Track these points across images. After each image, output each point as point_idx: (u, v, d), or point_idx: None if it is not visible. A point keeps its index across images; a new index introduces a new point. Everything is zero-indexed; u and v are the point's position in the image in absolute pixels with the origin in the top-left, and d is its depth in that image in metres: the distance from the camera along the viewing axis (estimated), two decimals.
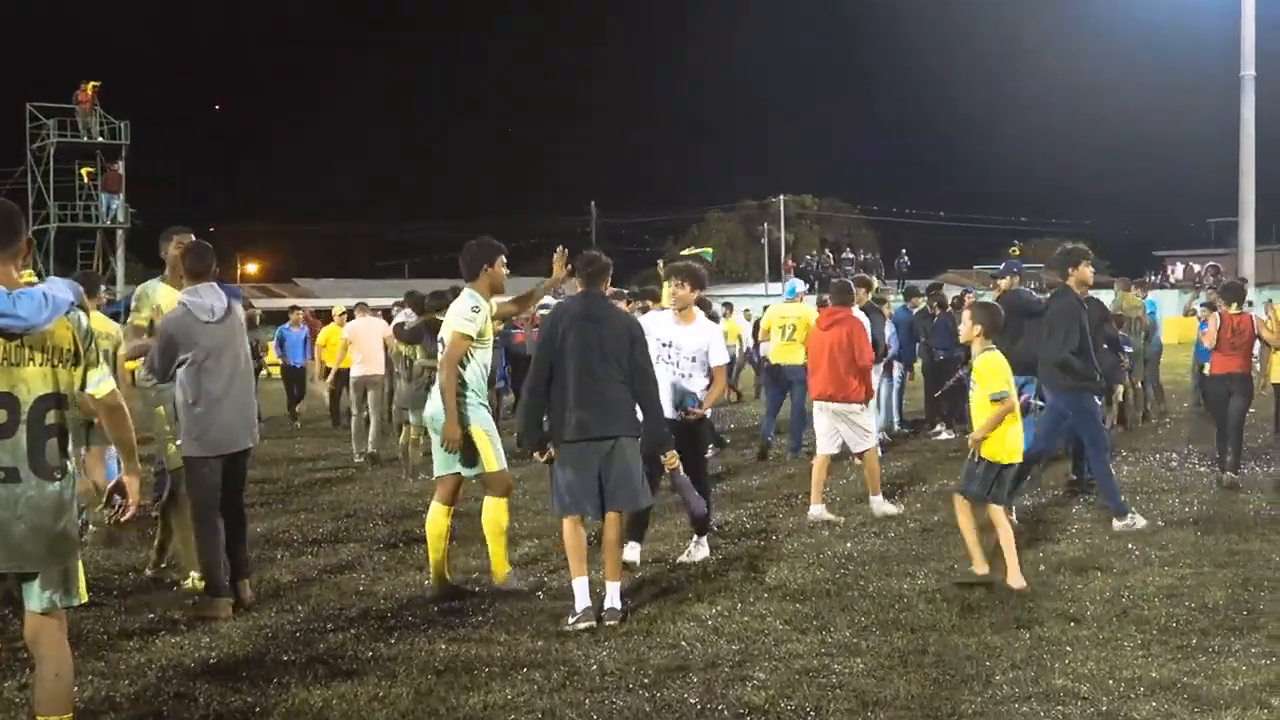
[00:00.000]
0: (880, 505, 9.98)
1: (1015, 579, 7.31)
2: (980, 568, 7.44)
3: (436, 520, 7.48)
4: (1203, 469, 11.96)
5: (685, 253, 7.92)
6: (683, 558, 8.22)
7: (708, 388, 8.35)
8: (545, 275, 8.02)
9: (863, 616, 6.77)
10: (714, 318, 13.55)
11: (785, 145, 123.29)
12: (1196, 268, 62.58)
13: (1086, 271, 9.44)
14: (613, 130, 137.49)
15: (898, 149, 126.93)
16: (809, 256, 59.94)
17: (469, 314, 7.27)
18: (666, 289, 8.21)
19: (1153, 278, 48.53)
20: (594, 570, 7.00)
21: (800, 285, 15.67)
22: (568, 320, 6.89)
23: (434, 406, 7.45)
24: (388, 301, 16.20)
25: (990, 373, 7.52)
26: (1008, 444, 7.53)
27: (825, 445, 10.15)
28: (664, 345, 8.22)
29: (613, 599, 6.82)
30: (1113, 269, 38.20)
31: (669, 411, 7.83)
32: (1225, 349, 11.39)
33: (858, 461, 11.01)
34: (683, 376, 8.23)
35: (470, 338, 7.26)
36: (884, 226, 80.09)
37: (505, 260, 7.56)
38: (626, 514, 7.20)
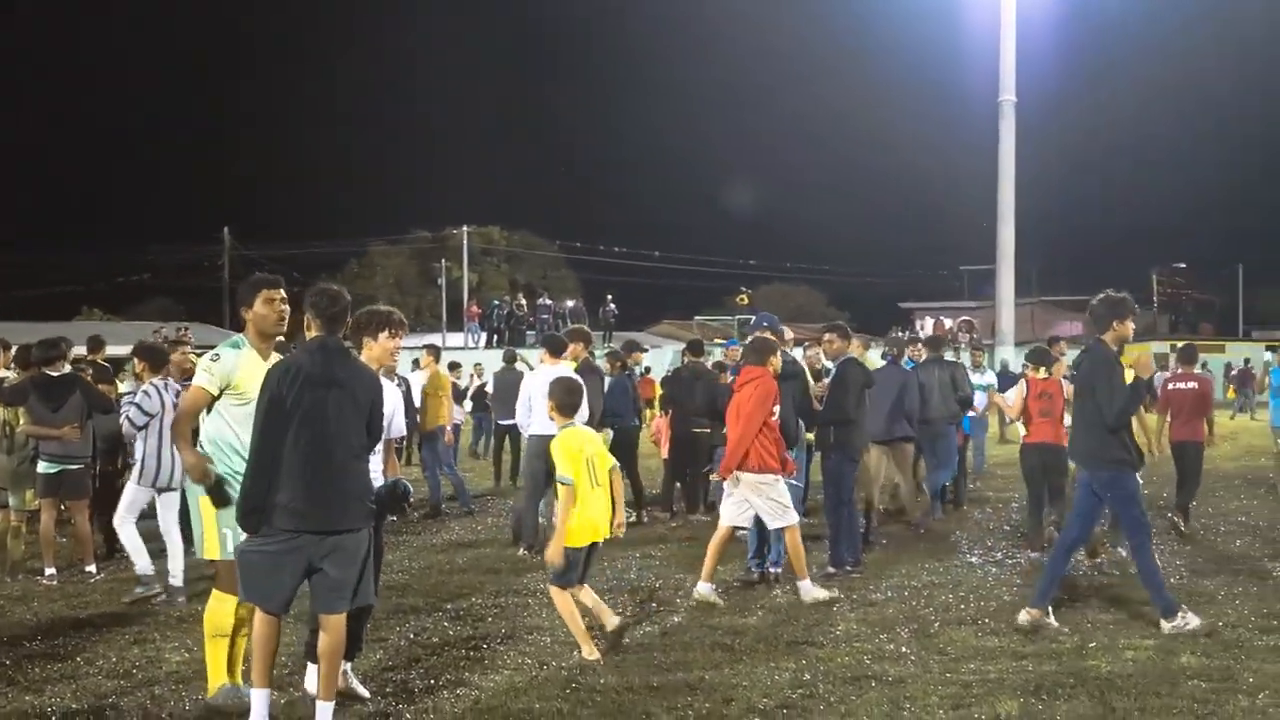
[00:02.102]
0: (810, 591, 10.43)
1: (589, 651, 8.57)
2: (590, 652, 8.56)
3: (219, 612, 7.25)
4: (973, 559, 12.65)
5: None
6: (356, 687, 7.66)
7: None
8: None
9: None
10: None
11: (469, 170, 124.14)
12: (948, 322, 66.25)
13: (1129, 327, 9.82)
14: (256, 145, 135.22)
15: (603, 180, 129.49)
16: (496, 301, 60.05)
17: (206, 363, 7.20)
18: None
19: (901, 334, 50.66)
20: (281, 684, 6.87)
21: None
22: (301, 381, 6.55)
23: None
24: None
25: (562, 453, 8.73)
26: (585, 525, 8.72)
27: (730, 516, 10.71)
28: None
29: None
30: (854, 323, 39.65)
31: None
32: (1036, 417, 12.96)
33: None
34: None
35: (208, 392, 7.10)
36: (587, 267, 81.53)
37: (282, 298, 7.40)
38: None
